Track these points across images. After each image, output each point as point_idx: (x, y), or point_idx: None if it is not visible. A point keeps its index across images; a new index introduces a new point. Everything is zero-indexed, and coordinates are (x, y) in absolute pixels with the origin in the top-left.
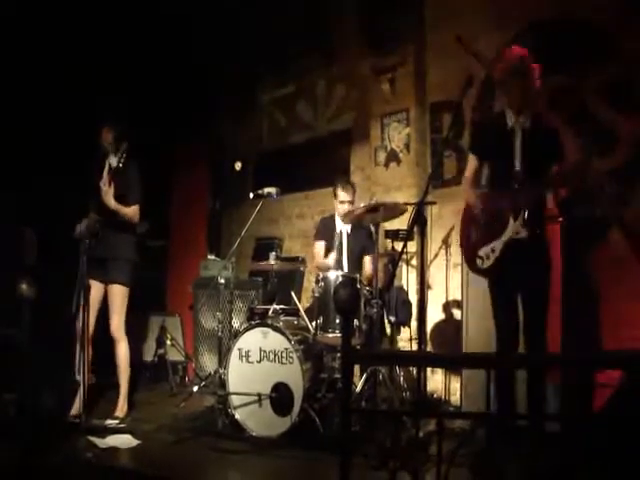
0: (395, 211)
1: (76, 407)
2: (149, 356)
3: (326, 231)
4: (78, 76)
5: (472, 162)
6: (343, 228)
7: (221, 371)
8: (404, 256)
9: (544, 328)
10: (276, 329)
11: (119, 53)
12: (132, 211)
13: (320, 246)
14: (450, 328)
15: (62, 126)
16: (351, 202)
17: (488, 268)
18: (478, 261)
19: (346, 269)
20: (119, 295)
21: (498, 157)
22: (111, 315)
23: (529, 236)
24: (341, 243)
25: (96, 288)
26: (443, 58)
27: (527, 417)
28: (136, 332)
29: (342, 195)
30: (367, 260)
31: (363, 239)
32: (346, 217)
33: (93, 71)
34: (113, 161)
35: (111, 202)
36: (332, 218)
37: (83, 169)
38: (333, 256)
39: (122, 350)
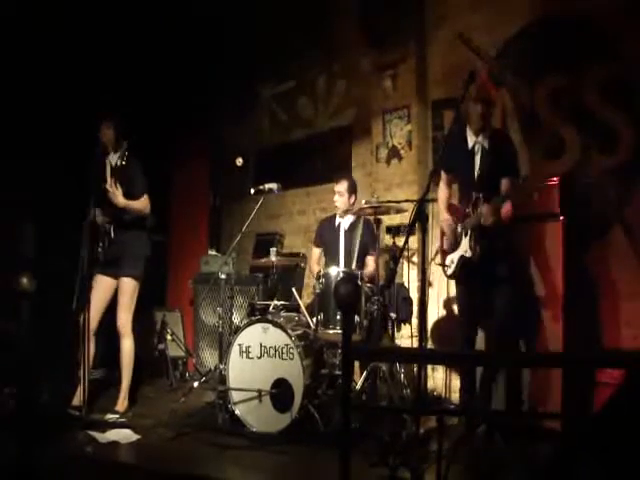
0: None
1: (78, 398)
2: (150, 351)
3: (323, 234)
4: (79, 74)
5: (444, 179)
6: (341, 223)
7: (221, 367)
8: (405, 253)
9: (509, 330)
10: (277, 325)
11: (119, 50)
12: (142, 203)
13: (316, 252)
14: (451, 325)
15: (63, 123)
16: (342, 194)
17: (450, 276)
18: (445, 268)
19: (342, 264)
20: (129, 290)
21: (462, 173)
22: (119, 310)
23: (473, 256)
24: (338, 239)
25: (107, 283)
26: (445, 55)
27: (529, 416)
28: (137, 327)
29: (335, 186)
30: (370, 260)
31: (365, 235)
32: (343, 213)
33: (94, 69)
34: (113, 159)
35: (120, 201)
36: (332, 217)
37: (83, 165)
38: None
39: (127, 346)
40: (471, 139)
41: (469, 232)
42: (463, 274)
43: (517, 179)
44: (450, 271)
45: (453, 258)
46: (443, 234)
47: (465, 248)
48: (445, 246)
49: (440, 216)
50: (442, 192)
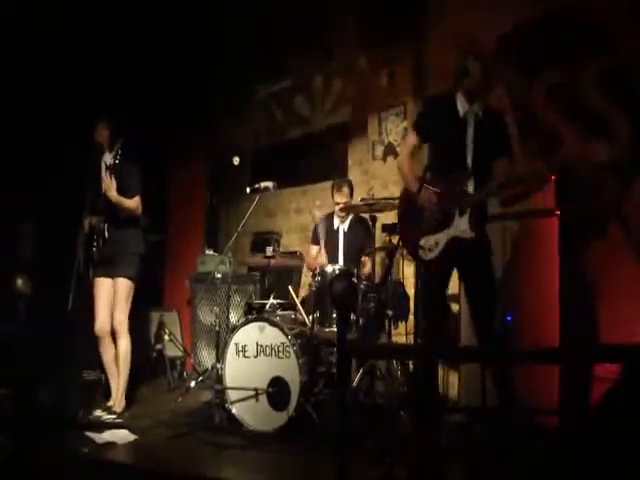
0: (392, 204)
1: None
2: (147, 351)
3: (321, 233)
4: (78, 74)
5: (412, 138)
6: (340, 226)
7: (218, 366)
8: (401, 250)
9: (494, 316)
10: (273, 323)
11: (119, 50)
12: (134, 202)
13: (314, 250)
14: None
15: (60, 123)
16: (348, 199)
17: (432, 260)
18: (420, 252)
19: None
20: (124, 289)
21: (448, 144)
22: (114, 309)
23: (475, 237)
24: (338, 241)
25: (106, 284)
26: (441, 52)
27: (531, 411)
28: (134, 327)
29: (336, 197)
30: (364, 261)
31: (361, 236)
32: (344, 212)
33: (93, 69)
34: (108, 159)
35: (113, 195)
36: (330, 216)
37: (80, 166)
38: (323, 253)
39: (123, 345)
40: (463, 106)
41: (467, 211)
42: (450, 257)
43: (512, 164)
44: (433, 255)
45: (438, 239)
46: (410, 210)
47: (463, 228)
48: (416, 226)
49: (418, 193)
50: (407, 161)
